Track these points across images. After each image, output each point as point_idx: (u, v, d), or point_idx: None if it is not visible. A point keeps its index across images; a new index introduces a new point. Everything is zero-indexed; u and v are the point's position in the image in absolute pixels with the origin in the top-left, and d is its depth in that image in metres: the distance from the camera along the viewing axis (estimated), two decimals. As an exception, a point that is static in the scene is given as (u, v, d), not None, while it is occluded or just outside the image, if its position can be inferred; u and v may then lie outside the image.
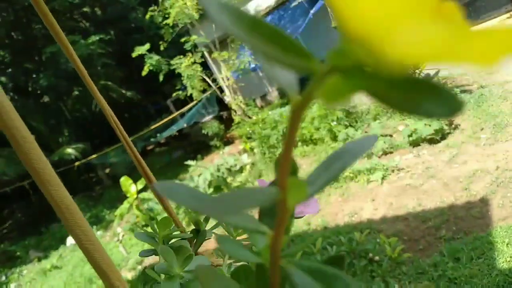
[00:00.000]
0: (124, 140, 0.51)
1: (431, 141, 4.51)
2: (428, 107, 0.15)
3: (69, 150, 11.90)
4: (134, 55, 8.64)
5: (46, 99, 13.61)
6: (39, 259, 8.63)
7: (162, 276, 0.42)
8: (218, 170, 6.68)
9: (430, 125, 4.48)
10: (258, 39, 0.16)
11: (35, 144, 0.28)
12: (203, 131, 10.06)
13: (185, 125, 11.18)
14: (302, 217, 0.45)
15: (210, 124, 10.12)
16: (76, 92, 13.61)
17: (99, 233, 8.54)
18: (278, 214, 0.22)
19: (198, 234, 0.50)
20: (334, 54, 0.15)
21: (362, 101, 6.42)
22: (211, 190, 6.18)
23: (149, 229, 0.48)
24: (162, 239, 0.48)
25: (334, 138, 5.77)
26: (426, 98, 0.15)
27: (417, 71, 5.40)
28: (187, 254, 0.44)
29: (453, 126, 4.60)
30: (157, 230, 0.47)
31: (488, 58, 0.12)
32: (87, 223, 0.29)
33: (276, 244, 0.23)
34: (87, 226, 0.29)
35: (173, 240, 0.49)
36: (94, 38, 12.15)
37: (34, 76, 12.74)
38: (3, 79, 12.54)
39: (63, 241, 8.92)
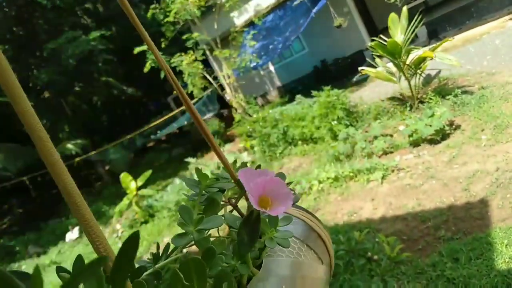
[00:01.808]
0: (188, 106, 0.52)
1: (432, 141, 4.51)
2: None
3: (69, 146, 11.91)
4: (135, 51, 8.63)
5: (46, 94, 13.61)
6: (38, 255, 8.65)
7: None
8: (218, 167, 6.68)
9: (431, 126, 4.48)
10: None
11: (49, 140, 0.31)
12: (203, 129, 10.05)
13: (185, 122, 11.18)
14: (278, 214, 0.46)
15: (211, 122, 10.12)
16: (77, 88, 13.60)
17: (98, 229, 8.54)
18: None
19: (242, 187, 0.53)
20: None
21: (363, 100, 6.42)
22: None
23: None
24: (204, 188, 0.52)
25: (335, 137, 5.77)
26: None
27: (418, 71, 5.41)
28: (215, 206, 0.50)
29: (453, 126, 4.60)
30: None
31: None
32: (92, 216, 0.32)
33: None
34: (92, 219, 0.31)
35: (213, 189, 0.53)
36: (95, 34, 12.13)
37: (35, 71, 12.74)
38: (4, 74, 12.50)
39: (62, 237, 8.94)
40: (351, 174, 4.55)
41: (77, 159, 11.30)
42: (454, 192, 3.43)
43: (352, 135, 5.29)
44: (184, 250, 0.50)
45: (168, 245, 0.50)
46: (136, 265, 0.44)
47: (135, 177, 7.24)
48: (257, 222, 0.44)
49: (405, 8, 5.53)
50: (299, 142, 6.50)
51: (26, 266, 8.24)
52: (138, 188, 7.21)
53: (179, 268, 0.35)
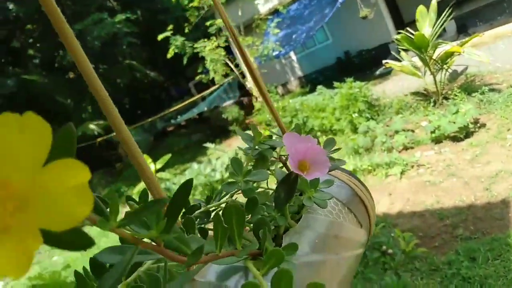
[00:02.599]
0: (250, 69, 0.60)
1: (455, 138, 4.42)
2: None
3: (92, 126, 12.12)
4: (159, 38, 8.65)
5: (71, 75, 13.84)
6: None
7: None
8: (236, 154, 6.71)
9: (454, 123, 4.38)
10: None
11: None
12: (223, 116, 10.09)
13: (205, 108, 11.23)
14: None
15: (230, 109, 10.13)
16: (101, 70, 13.78)
17: (116, 209, 8.70)
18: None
19: None
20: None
21: (385, 94, 6.32)
22: (228, 174, 6.23)
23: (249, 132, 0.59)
24: (256, 144, 0.57)
25: (355, 130, 5.71)
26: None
27: (445, 66, 5.27)
28: (265, 161, 0.56)
29: (478, 125, 4.49)
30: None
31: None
32: (144, 160, 0.40)
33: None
34: (145, 163, 0.40)
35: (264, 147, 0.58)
36: (121, 17, 12.22)
37: (61, 52, 12.95)
38: (31, 51, 12.80)
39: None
40: (370, 167, 4.51)
41: (99, 139, 11.49)
42: (475, 191, 3.37)
43: (372, 128, 5.22)
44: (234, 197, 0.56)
45: (220, 191, 0.58)
46: (192, 203, 0.55)
47: (154, 160, 7.34)
48: (294, 183, 0.47)
49: (434, 1, 5.39)
50: (318, 133, 6.46)
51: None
52: (157, 171, 7.32)
53: (223, 212, 0.40)
